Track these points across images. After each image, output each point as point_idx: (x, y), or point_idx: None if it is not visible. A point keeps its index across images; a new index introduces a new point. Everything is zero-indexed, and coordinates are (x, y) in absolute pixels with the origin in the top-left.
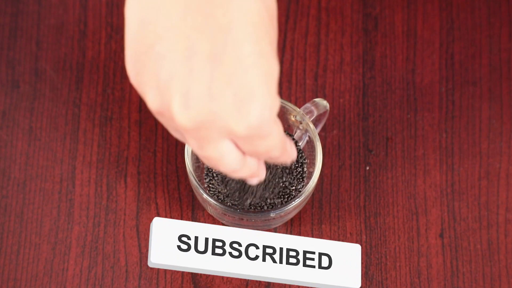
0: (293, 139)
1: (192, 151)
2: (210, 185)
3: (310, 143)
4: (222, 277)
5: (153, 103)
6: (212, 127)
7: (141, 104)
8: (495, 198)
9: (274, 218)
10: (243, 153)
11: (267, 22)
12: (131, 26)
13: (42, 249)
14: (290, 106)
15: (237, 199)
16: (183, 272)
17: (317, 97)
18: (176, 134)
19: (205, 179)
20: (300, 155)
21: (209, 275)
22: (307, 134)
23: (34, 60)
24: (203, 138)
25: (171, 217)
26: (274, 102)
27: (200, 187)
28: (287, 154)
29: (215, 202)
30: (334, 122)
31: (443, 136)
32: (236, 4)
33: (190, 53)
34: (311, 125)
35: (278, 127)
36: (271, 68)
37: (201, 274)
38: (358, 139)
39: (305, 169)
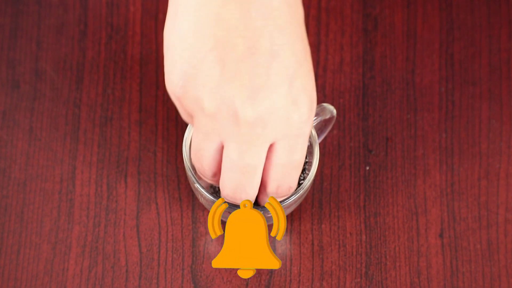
0: None
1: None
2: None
3: (310, 144)
4: (222, 277)
5: (211, 104)
6: (269, 122)
7: (141, 104)
8: (495, 198)
9: (267, 216)
10: (267, 181)
11: (303, 15)
12: (181, 37)
13: (42, 249)
14: None
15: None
16: (183, 272)
17: (317, 97)
18: (210, 145)
19: None
20: None
21: (209, 275)
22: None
23: (35, 60)
24: (253, 139)
25: (171, 217)
26: (316, 98)
27: (194, 176)
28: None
29: (208, 194)
30: (334, 122)
31: (443, 136)
32: (286, 5)
33: (251, 51)
34: (312, 129)
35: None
36: (311, 65)
37: (201, 274)
38: (358, 139)
39: (305, 168)
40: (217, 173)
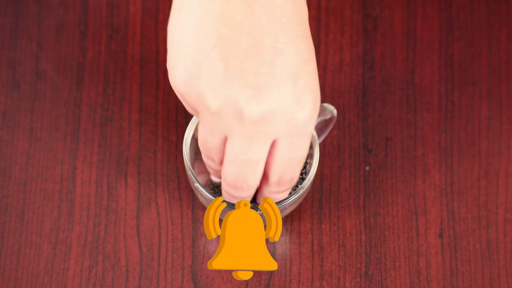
0: None
1: (190, 145)
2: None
3: (310, 144)
4: (222, 277)
5: (214, 102)
6: (273, 120)
7: (142, 104)
8: (495, 198)
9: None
10: (269, 172)
11: (307, 14)
12: (185, 33)
13: (42, 249)
14: None
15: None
16: (183, 272)
17: None
18: (213, 139)
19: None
20: None
21: (209, 275)
22: None
23: (35, 61)
24: (256, 135)
25: (171, 217)
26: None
27: (193, 175)
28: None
29: (207, 194)
30: (334, 122)
31: (442, 136)
32: (291, 4)
33: (255, 49)
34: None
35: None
36: (316, 64)
37: (201, 273)
38: (358, 139)
39: (305, 167)
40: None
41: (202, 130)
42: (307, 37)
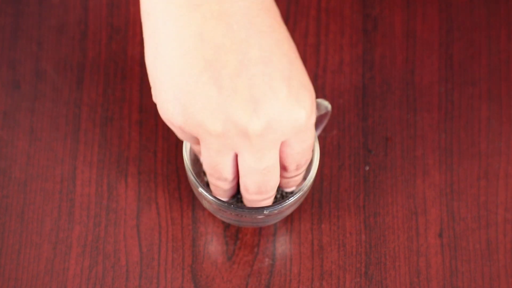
0: None
1: (190, 148)
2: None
3: None
4: (222, 277)
5: (216, 126)
6: (277, 126)
7: (142, 104)
8: (494, 198)
9: (269, 215)
10: (285, 167)
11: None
12: (168, 64)
13: (43, 249)
14: None
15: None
16: (183, 272)
17: (317, 97)
18: (225, 158)
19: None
20: None
21: (209, 275)
22: None
23: (35, 61)
24: (266, 144)
25: (171, 217)
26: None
27: (196, 180)
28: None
29: (211, 198)
30: (334, 122)
31: (442, 136)
32: (265, 11)
33: (243, 63)
34: None
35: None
36: (300, 59)
37: (201, 273)
38: (358, 139)
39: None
40: (236, 177)
41: (208, 154)
42: (287, 36)
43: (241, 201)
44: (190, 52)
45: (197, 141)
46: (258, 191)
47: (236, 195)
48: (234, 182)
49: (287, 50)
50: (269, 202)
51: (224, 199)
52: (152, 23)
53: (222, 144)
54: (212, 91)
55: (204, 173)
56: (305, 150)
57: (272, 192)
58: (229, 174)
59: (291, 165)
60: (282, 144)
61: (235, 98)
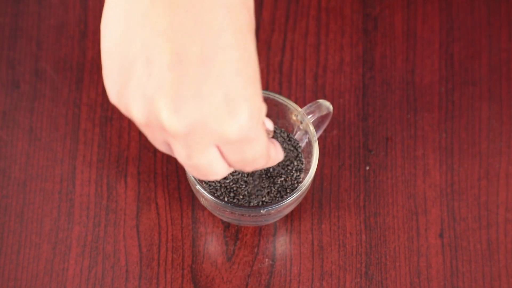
0: (295, 140)
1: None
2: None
3: (309, 143)
4: (222, 277)
5: (139, 115)
6: (203, 132)
7: None
8: (495, 198)
9: (268, 214)
10: (229, 164)
11: (249, 21)
12: (111, 40)
13: (42, 249)
14: (292, 105)
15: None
16: (183, 272)
17: (317, 97)
18: (162, 147)
19: None
20: (299, 155)
21: (209, 275)
22: (307, 135)
23: (35, 60)
24: (193, 145)
25: (171, 217)
26: (262, 104)
27: (194, 178)
28: (272, 160)
29: (209, 196)
30: (334, 122)
31: (442, 136)
32: (224, 9)
33: (179, 57)
34: (311, 126)
35: (264, 132)
36: (256, 72)
37: (201, 274)
38: (358, 139)
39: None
40: (229, 168)
41: (147, 136)
42: (243, 44)
43: (238, 200)
44: (131, 31)
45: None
46: (205, 178)
47: (236, 194)
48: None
49: (236, 57)
50: (251, 169)
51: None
52: None
53: (151, 134)
54: (142, 77)
55: None
56: (246, 160)
57: (225, 174)
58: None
59: (235, 165)
60: (221, 147)
61: (160, 92)
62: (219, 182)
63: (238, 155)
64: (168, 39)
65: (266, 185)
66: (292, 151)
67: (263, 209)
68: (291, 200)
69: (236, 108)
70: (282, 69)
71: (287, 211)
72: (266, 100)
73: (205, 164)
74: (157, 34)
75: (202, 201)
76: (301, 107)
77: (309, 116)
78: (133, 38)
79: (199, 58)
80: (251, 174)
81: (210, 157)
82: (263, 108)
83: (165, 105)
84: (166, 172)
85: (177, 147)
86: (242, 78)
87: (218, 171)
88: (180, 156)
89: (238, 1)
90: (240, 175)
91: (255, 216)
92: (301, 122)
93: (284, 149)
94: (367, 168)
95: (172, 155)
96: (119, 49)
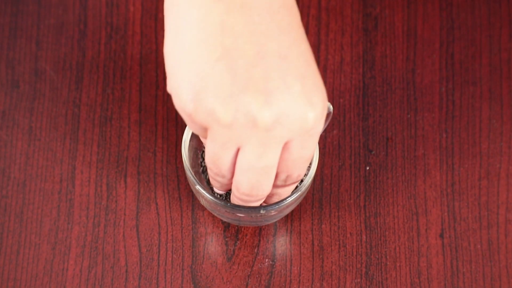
0: None
1: (189, 146)
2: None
3: None
4: (222, 277)
5: (226, 114)
6: (285, 123)
7: (141, 104)
8: (495, 198)
9: (268, 214)
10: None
11: (300, 16)
12: (185, 48)
13: (42, 249)
14: None
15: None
16: (183, 272)
17: None
18: (227, 153)
19: (204, 174)
20: None
21: (209, 275)
22: None
23: (34, 60)
24: (271, 140)
25: (171, 217)
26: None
27: (194, 178)
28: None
29: (209, 196)
30: (334, 122)
31: (443, 136)
32: (286, 9)
33: (261, 55)
34: None
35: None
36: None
37: (201, 274)
38: (358, 139)
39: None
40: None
41: (213, 147)
42: (305, 39)
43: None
44: (209, 38)
45: (205, 133)
46: (250, 192)
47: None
48: (232, 180)
49: (304, 50)
50: (255, 205)
51: (221, 192)
52: (175, 11)
53: (228, 135)
54: (226, 79)
55: (203, 171)
56: (302, 159)
57: (261, 197)
58: (227, 171)
59: (282, 173)
60: (283, 148)
61: (248, 88)
62: None
63: (300, 152)
64: (248, 40)
65: None
66: None
67: (263, 209)
68: (291, 200)
69: (313, 98)
70: None
71: (287, 211)
72: None
73: (270, 166)
74: (237, 37)
75: (202, 202)
76: None
77: None
78: (213, 45)
79: (278, 54)
80: None
81: (276, 157)
82: (327, 99)
83: (255, 99)
84: (166, 172)
85: (249, 148)
86: (312, 68)
87: (271, 182)
88: (248, 158)
89: (292, 1)
90: None
91: (255, 216)
92: None
93: None
94: (367, 168)
95: (217, 172)
96: (197, 57)
